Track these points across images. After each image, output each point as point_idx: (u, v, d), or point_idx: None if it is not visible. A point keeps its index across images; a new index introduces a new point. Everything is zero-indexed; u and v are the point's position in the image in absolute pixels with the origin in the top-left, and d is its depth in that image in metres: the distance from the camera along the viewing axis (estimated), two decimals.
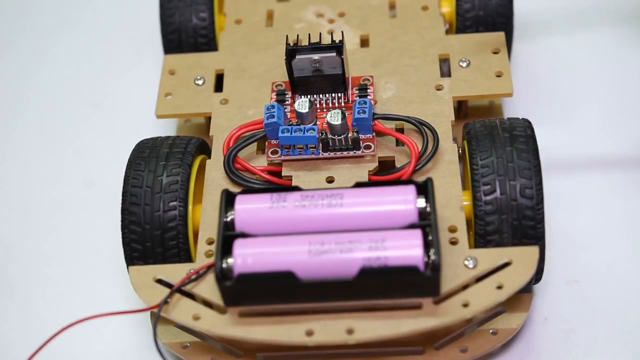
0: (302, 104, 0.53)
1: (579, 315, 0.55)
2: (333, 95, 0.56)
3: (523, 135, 0.51)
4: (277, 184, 0.53)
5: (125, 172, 0.53)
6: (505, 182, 0.50)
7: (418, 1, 0.62)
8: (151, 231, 0.51)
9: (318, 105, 0.56)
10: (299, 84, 0.55)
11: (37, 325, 0.58)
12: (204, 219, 0.52)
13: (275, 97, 0.57)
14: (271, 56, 0.60)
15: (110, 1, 0.78)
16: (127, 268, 0.51)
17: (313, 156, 0.53)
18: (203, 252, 0.51)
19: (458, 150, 0.53)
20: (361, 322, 0.47)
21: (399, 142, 0.54)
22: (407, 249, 0.46)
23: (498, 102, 0.63)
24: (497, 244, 0.50)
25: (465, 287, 0.48)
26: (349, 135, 0.53)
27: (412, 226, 0.48)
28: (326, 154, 0.53)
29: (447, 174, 0.52)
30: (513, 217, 0.49)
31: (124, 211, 0.52)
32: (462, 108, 0.62)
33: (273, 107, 0.54)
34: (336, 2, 0.63)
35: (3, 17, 0.79)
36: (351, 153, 0.53)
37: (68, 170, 0.67)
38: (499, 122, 0.53)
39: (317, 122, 0.54)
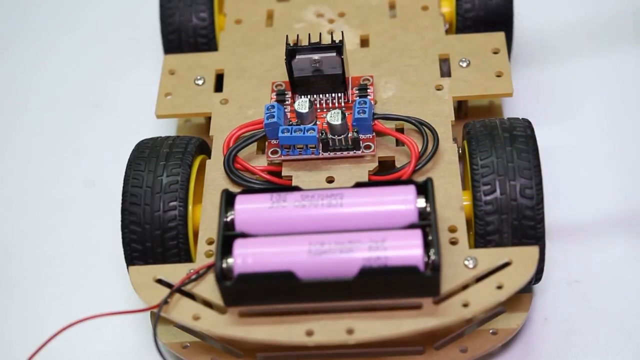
0: (302, 104, 0.53)
1: (579, 315, 0.55)
2: (333, 95, 0.56)
3: (523, 135, 0.51)
4: (277, 184, 0.53)
5: (125, 172, 0.53)
6: (505, 182, 0.50)
7: (418, 1, 0.62)
8: (151, 231, 0.51)
9: (318, 105, 0.55)
10: (299, 84, 0.55)
11: (37, 325, 0.58)
12: (204, 219, 0.52)
13: (275, 97, 0.57)
14: (271, 56, 0.60)
15: (110, 1, 0.78)
16: (127, 268, 0.51)
17: (313, 156, 0.53)
18: (203, 252, 0.51)
19: (458, 150, 0.53)
20: (361, 322, 0.47)
21: (399, 142, 0.54)
22: (407, 249, 0.46)
23: (498, 102, 0.63)
24: (497, 244, 0.50)
25: (465, 287, 0.48)
26: (349, 135, 0.53)
27: (412, 226, 0.48)
28: (326, 154, 0.53)
29: (447, 174, 0.52)
30: (513, 217, 0.49)
31: (124, 211, 0.52)
32: (462, 108, 0.62)
33: (273, 107, 0.54)
34: (336, 2, 0.63)
35: (3, 17, 0.79)
36: (351, 153, 0.53)
37: (68, 170, 0.67)
38: (499, 122, 0.53)
39: (317, 122, 0.54)
